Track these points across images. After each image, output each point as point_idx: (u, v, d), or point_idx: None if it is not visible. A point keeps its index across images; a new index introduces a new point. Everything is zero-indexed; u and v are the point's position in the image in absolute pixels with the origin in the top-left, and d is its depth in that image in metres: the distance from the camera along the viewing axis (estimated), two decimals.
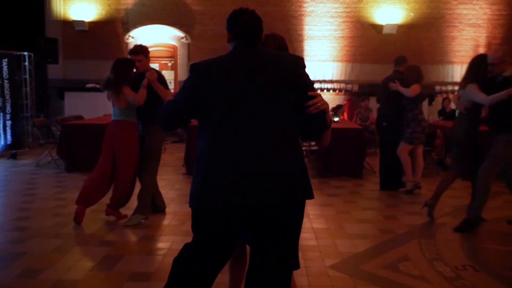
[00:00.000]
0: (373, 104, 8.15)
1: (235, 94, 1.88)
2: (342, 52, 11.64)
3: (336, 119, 7.96)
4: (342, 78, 11.67)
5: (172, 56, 11.97)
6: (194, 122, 2.09)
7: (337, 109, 9.58)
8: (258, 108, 1.88)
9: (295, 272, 2.08)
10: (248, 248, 2.14)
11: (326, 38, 11.57)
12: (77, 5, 11.52)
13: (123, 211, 4.63)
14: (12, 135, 9.14)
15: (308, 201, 1.96)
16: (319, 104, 1.93)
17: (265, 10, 10.47)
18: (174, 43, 11.84)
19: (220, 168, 1.85)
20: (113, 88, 4.37)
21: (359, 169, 6.97)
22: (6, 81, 9.06)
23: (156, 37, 11.71)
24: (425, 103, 9.16)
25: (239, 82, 1.89)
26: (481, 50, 11.11)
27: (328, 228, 4.46)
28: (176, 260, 2.00)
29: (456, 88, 9.61)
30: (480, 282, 3.21)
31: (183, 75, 11.59)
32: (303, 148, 2.08)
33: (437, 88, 11.55)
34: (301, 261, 2.18)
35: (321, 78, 11.56)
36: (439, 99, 10.93)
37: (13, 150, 8.77)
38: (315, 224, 4.55)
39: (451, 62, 11.67)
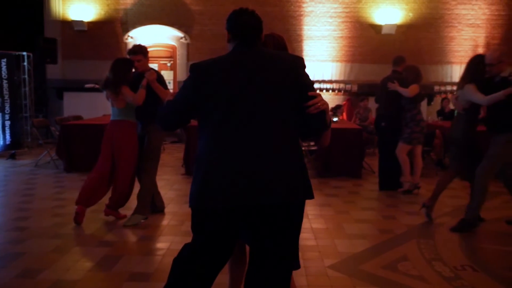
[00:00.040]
0: (372, 104, 8.15)
1: (235, 94, 1.88)
2: (341, 52, 11.65)
3: (335, 119, 7.97)
4: (341, 78, 11.68)
5: (171, 56, 11.97)
6: (193, 122, 2.09)
7: (336, 109, 9.59)
8: (258, 108, 1.88)
9: (294, 272, 2.08)
10: (247, 248, 2.14)
11: (325, 38, 11.58)
12: (76, 5, 11.51)
13: (122, 211, 4.62)
14: (11, 135, 9.13)
15: (307, 201, 1.96)
16: (319, 104, 1.93)
17: (264, 10, 10.46)
18: (173, 43, 11.83)
19: (220, 168, 1.85)
20: (112, 88, 4.37)
21: (358, 169, 6.98)
22: (5, 81, 9.04)
23: (155, 37, 11.70)
24: (424, 103, 9.19)
25: (239, 82, 1.89)
26: (480, 50, 11.13)
27: (327, 228, 4.46)
28: (176, 260, 2.00)
29: (455, 88, 9.63)
30: (479, 282, 3.21)
31: (182, 75, 11.59)
32: (302, 148, 2.08)
33: (436, 88, 11.56)
34: (301, 261, 2.18)
35: (320, 78, 11.56)
36: (438, 99, 10.94)
37: (12, 150, 8.76)
38: (314, 224, 4.55)
39: (450, 62, 11.69)
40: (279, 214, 1.88)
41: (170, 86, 11.17)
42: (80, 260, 3.58)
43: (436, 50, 11.64)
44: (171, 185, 6.26)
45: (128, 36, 11.51)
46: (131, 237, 4.20)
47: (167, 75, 11.47)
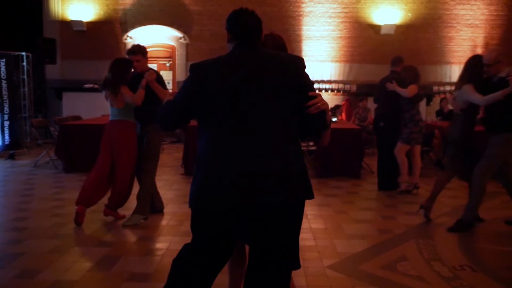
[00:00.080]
0: (371, 104, 8.14)
1: (235, 94, 1.88)
2: (340, 52, 11.65)
3: (334, 119, 7.97)
4: (340, 78, 11.68)
5: (170, 56, 11.96)
6: (192, 122, 2.09)
7: (335, 109, 9.60)
8: (258, 108, 1.88)
9: (293, 272, 2.08)
10: (247, 248, 2.14)
11: (324, 38, 11.58)
12: (75, 5, 11.50)
13: (121, 211, 4.62)
14: (10, 136, 9.12)
15: (306, 201, 1.96)
16: (319, 104, 1.94)
17: (263, 10, 10.47)
18: (172, 43, 11.83)
19: (220, 168, 1.85)
20: (111, 88, 4.37)
21: (357, 169, 6.98)
22: (4, 82, 9.03)
23: (154, 38, 11.70)
24: (423, 103, 9.20)
25: (239, 82, 1.89)
26: (479, 51, 11.14)
27: (326, 228, 4.46)
28: (176, 261, 2.00)
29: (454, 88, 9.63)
30: (477, 282, 3.21)
31: (181, 75, 11.59)
32: (302, 148, 2.08)
33: (435, 88, 11.57)
34: (300, 261, 2.18)
35: (319, 79, 11.56)
36: (437, 100, 10.95)
37: (11, 150, 8.75)
38: (313, 224, 4.55)
39: (449, 63, 11.69)
40: (279, 214, 1.88)
41: (169, 86, 11.16)
42: (79, 260, 3.58)
43: (435, 50, 11.65)
44: (170, 185, 6.26)
45: (127, 36, 11.50)
46: (130, 237, 4.20)
47: (166, 75, 11.47)
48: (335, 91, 11.67)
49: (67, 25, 11.50)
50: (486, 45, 11.44)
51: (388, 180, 6.04)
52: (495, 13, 11.57)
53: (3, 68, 9.01)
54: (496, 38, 11.57)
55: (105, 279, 3.24)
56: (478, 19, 11.59)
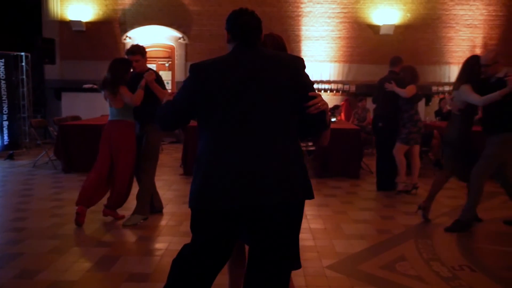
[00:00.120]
0: (370, 104, 8.15)
1: (235, 95, 1.88)
2: (339, 52, 11.66)
3: (333, 119, 7.97)
4: (340, 78, 11.69)
5: (170, 56, 11.96)
6: (192, 122, 2.09)
7: (334, 110, 9.60)
8: (258, 108, 1.88)
9: (292, 272, 2.08)
10: (246, 248, 2.15)
11: (324, 38, 11.59)
12: (74, 6, 11.50)
13: (120, 211, 4.62)
14: (9, 136, 9.12)
15: (305, 201, 1.97)
16: (319, 104, 1.94)
17: (262, 10, 10.48)
18: (171, 43, 11.83)
19: (220, 169, 1.85)
20: (110, 88, 4.37)
21: (357, 169, 6.99)
22: (3, 82, 9.03)
23: (154, 38, 11.69)
24: (421, 104, 9.19)
25: (239, 83, 1.89)
26: (478, 51, 11.15)
27: (325, 228, 4.47)
28: (175, 261, 2.00)
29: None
30: (476, 282, 3.22)
31: (180, 75, 11.59)
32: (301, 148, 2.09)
33: (434, 88, 11.58)
34: (300, 261, 2.18)
35: (318, 79, 11.57)
36: (436, 100, 10.97)
37: (10, 150, 8.75)
38: (313, 224, 4.56)
39: (448, 63, 11.71)
40: (279, 214, 1.88)
41: (168, 87, 11.16)
42: (78, 260, 3.58)
43: (434, 50, 11.66)
44: (170, 186, 6.26)
45: (126, 36, 11.50)
46: (130, 237, 4.20)
47: (165, 76, 11.47)
48: (334, 91, 11.68)
49: (66, 25, 11.50)
50: (485, 46, 11.46)
51: (387, 180, 6.05)
52: (494, 14, 11.58)
53: (2, 68, 9.01)
54: (495, 38, 11.59)
55: (105, 279, 3.24)
56: (477, 20, 11.61)
